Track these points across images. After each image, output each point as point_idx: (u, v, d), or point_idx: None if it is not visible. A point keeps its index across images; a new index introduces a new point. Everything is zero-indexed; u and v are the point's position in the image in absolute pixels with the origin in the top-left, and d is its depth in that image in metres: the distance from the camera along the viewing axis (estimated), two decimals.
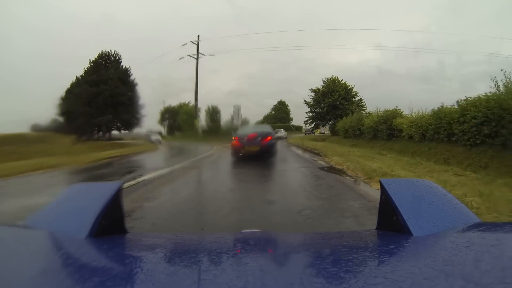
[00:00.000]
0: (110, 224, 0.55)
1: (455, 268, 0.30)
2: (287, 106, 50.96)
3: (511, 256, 0.32)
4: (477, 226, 0.46)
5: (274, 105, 51.79)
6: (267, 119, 43.27)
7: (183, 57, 24.69)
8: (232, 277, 0.31)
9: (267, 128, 7.90)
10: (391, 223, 0.53)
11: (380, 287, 0.28)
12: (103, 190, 0.59)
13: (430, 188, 0.60)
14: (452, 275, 0.29)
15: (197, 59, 24.37)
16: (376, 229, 0.61)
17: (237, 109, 18.29)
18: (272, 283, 0.30)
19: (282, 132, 26.50)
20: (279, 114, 48.53)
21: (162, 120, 37.13)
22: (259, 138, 6.62)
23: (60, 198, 0.60)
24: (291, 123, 47.40)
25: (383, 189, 0.59)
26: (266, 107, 47.89)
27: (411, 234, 0.45)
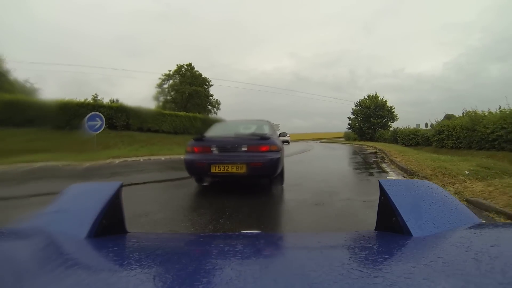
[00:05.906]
0: (111, 224, 0.55)
1: (455, 269, 0.30)
2: (203, 76, 23.96)
3: (511, 256, 0.32)
4: (477, 227, 0.46)
5: (166, 73, 24.63)
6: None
7: None
8: (232, 277, 0.31)
9: (262, 125, 4.12)
10: (390, 224, 0.53)
11: (380, 287, 0.28)
12: (103, 190, 0.59)
13: (430, 190, 0.59)
14: (452, 276, 0.29)
15: None
16: (375, 230, 0.61)
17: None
18: (272, 283, 0.30)
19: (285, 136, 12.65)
20: (183, 88, 22.55)
21: None
22: (244, 147, 3.28)
23: (60, 198, 0.60)
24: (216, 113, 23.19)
25: (382, 190, 0.58)
26: None
27: (411, 235, 0.45)
